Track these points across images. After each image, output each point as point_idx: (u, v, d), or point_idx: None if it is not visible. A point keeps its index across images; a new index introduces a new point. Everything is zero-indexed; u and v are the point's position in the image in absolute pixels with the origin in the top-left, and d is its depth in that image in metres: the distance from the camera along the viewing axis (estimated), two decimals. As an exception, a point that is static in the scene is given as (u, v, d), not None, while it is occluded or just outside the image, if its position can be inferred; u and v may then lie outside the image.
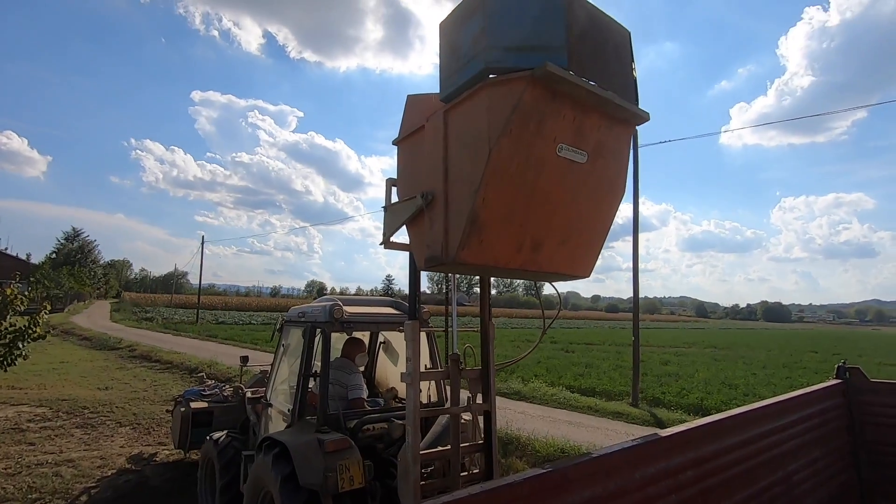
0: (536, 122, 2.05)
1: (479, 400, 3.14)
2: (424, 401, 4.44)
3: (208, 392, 6.43)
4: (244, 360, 6.49)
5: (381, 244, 2.92)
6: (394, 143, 2.90)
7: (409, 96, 2.79)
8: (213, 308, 62.21)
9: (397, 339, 4.91)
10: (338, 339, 4.36)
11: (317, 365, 3.82)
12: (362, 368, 4.65)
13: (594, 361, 18.47)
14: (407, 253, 2.95)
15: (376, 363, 5.36)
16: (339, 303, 3.89)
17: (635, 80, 2.40)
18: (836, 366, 3.41)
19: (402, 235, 2.93)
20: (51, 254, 76.19)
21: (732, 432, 2.30)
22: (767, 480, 2.43)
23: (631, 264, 12.24)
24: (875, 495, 3.13)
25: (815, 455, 2.80)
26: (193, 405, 5.95)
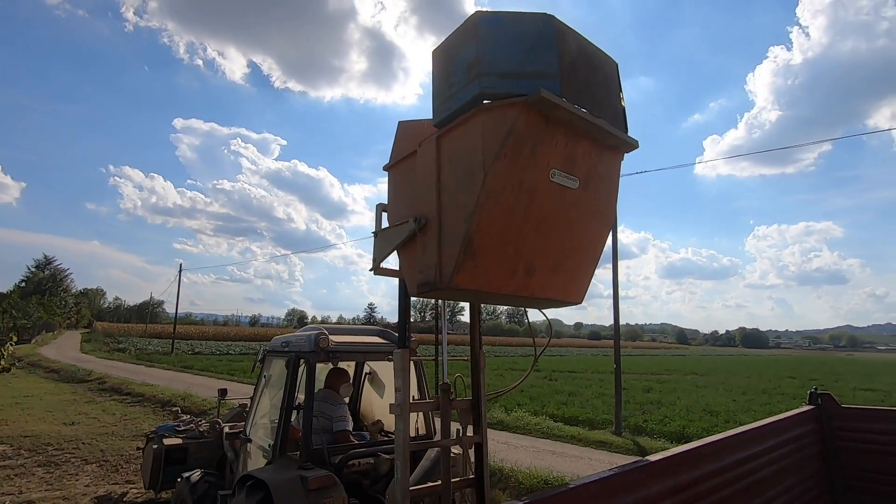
0: (530, 148, 2.08)
1: (470, 432, 3.06)
2: (413, 433, 4.33)
3: (183, 427, 6.16)
4: (222, 393, 6.23)
5: (370, 269, 2.90)
6: (385, 168, 2.90)
7: (400, 122, 2.82)
8: (189, 338, 60.48)
9: (383, 369, 4.82)
10: (321, 370, 4.26)
11: (300, 397, 3.69)
12: (347, 399, 4.55)
13: (577, 389, 18.41)
14: (394, 280, 2.95)
15: (361, 395, 5.22)
16: (325, 332, 3.80)
17: (624, 109, 2.46)
18: (808, 392, 3.48)
19: (391, 262, 2.93)
20: (20, 282, 73.75)
21: (709, 460, 2.31)
22: (745, 508, 2.44)
23: (612, 291, 12.39)
24: (851, 522, 3.15)
25: (790, 482, 2.83)
26: (166, 441, 5.66)
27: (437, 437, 3.80)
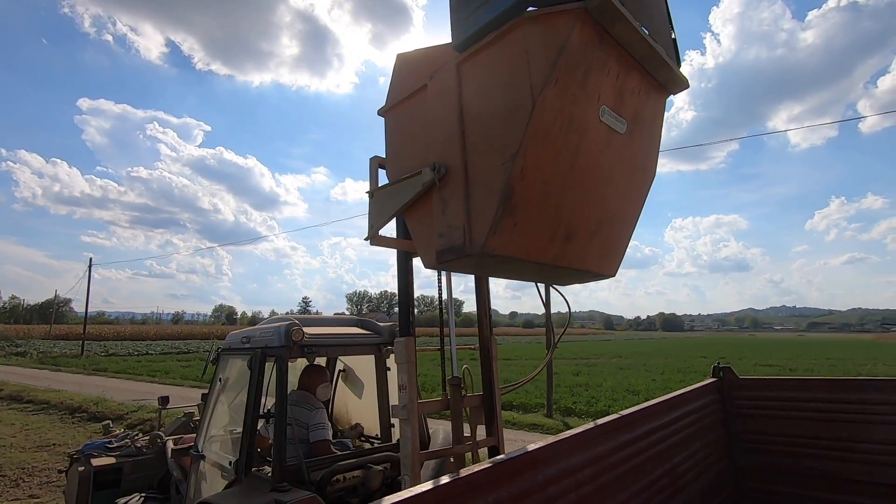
0: (583, 73, 1.67)
1: (482, 433, 2.64)
2: (372, 435, 4.04)
3: (115, 444, 5.19)
4: (163, 400, 5.32)
5: (365, 239, 2.35)
6: (380, 112, 2.37)
7: (399, 55, 2.31)
8: (102, 339, 55.70)
9: (360, 365, 4.30)
10: (292, 369, 3.54)
11: (268, 402, 3.15)
12: (325, 403, 3.95)
13: (511, 376, 19.02)
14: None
15: (334, 395, 4.57)
16: (297, 322, 3.22)
17: (675, 41, 2.05)
18: (711, 366, 3.83)
19: (388, 230, 2.42)
20: None
21: (624, 431, 2.50)
22: (656, 473, 2.67)
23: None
24: (747, 479, 3.53)
25: (696, 447, 3.11)
26: (95, 462, 4.71)
27: (434, 441, 3.34)
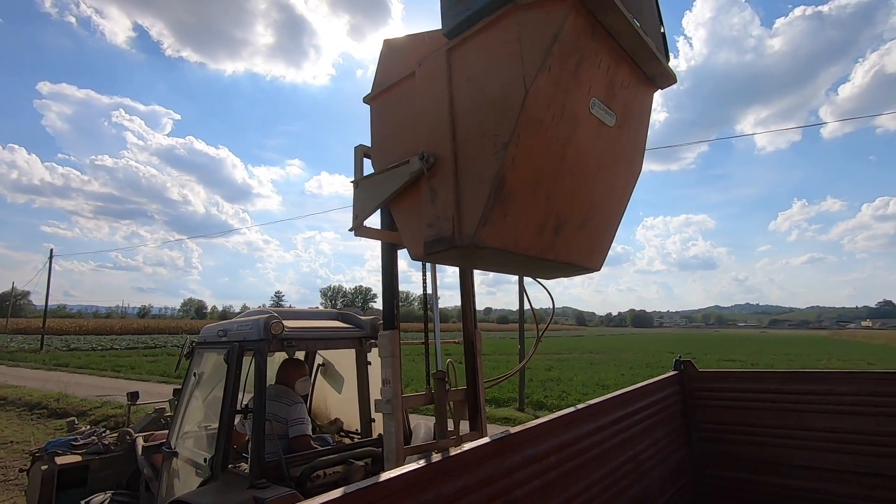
0: (575, 63, 1.67)
1: (466, 428, 2.64)
2: (352, 430, 4.01)
3: (81, 441, 4.98)
4: (133, 396, 5.15)
5: (350, 230, 2.29)
6: (366, 100, 2.33)
7: (385, 41, 2.27)
8: (63, 333, 53.78)
9: (340, 359, 4.27)
10: (270, 363, 3.49)
11: (245, 397, 3.06)
12: (304, 397, 3.90)
13: (486, 372, 19.23)
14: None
15: (312, 390, 4.49)
16: (276, 315, 3.16)
17: (664, 35, 2.08)
18: (674, 360, 4.01)
19: (373, 221, 2.36)
20: None
21: (589, 420, 2.61)
22: (618, 460, 2.79)
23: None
24: (704, 466, 3.72)
25: (657, 436, 3.26)
26: (59, 460, 4.52)
27: (416, 436, 3.37)
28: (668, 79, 2.12)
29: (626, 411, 3.00)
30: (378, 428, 3.65)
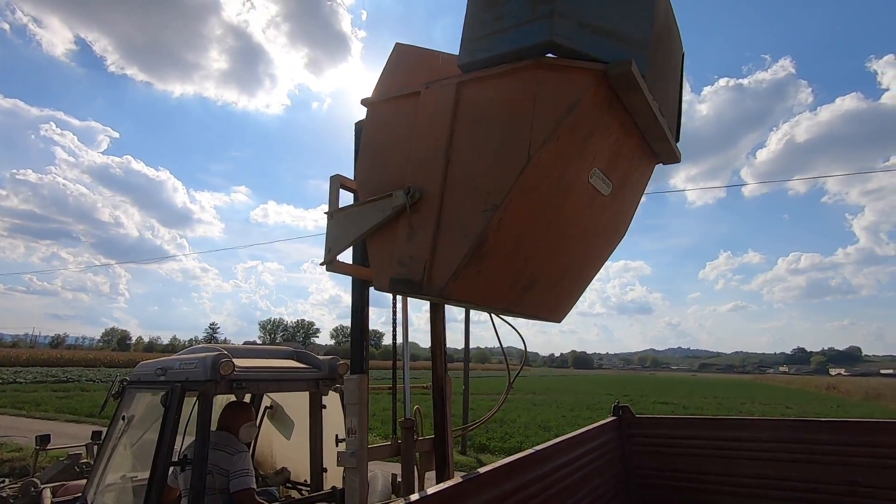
0: (585, 135, 1.62)
1: (432, 480, 2.49)
2: (300, 482, 3.62)
3: None
4: (43, 440, 4.57)
5: (321, 264, 2.14)
6: (364, 102, 2.15)
7: (398, 44, 2.11)
8: (-44, 363, 47.74)
9: (289, 401, 3.89)
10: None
11: (181, 445, 2.75)
12: (249, 445, 3.48)
13: (428, 411, 18.86)
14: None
15: (256, 436, 4.00)
16: (226, 353, 2.84)
17: (680, 112, 2.03)
18: (612, 405, 4.11)
19: (346, 256, 2.23)
20: None
21: (530, 468, 2.60)
22: (559, 509, 2.79)
23: (464, 317, 13.11)
24: (641, 513, 3.77)
25: (596, 483, 3.30)
26: None
27: (373, 488, 3.05)
28: (672, 157, 2.09)
29: (568, 458, 3.02)
30: (331, 479, 3.36)
